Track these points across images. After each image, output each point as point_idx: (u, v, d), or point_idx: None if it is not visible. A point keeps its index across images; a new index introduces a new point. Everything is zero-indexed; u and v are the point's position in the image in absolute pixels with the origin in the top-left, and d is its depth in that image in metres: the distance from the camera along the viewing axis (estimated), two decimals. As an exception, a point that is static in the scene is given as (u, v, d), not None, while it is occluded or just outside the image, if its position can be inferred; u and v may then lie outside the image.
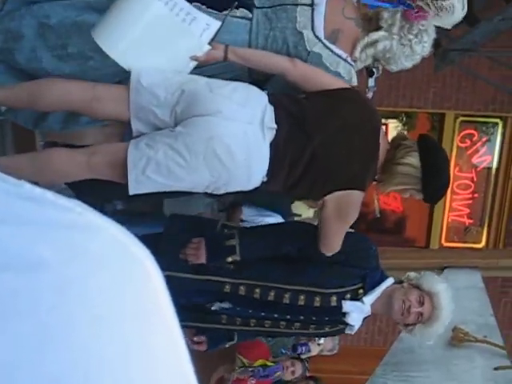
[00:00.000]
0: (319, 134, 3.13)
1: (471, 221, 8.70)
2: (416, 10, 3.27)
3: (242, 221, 5.23)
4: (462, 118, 8.29)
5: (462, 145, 8.38)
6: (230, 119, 3.03)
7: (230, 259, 3.41)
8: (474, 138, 8.38)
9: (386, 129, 8.25)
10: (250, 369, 5.18)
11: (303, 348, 5.67)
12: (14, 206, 0.73)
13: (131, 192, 3.06)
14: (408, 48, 3.33)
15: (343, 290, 3.50)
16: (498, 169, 8.46)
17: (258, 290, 3.48)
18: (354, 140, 3.17)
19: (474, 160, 8.46)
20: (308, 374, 6.42)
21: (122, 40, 3.11)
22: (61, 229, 0.73)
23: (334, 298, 3.49)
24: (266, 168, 3.09)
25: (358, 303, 3.52)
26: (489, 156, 8.46)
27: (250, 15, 3.35)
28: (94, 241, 0.74)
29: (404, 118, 8.36)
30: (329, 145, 3.13)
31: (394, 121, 8.34)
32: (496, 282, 7.10)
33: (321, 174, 3.15)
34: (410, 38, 3.31)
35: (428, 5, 3.27)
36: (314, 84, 3.21)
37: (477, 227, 8.69)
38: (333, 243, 3.30)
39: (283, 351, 5.73)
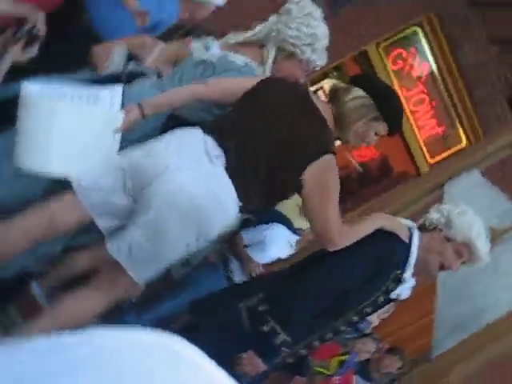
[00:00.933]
0: (262, 134, 3.14)
1: (443, 127, 8.75)
2: None
3: (246, 246, 5.25)
4: (383, 44, 8.34)
5: (396, 67, 8.43)
6: (179, 170, 3.03)
7: (284, 349, 3.38)
8: (404, 55, 8.43)
9: (323, 91, 8.30)
10: (330, 373, 5.19)
11: (363, 325, 5.67)
12: None
13: (141, 281, 3.10)
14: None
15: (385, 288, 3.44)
16: (439, 68, 8.51)
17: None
18: (293, 119, 3.18)
19: (415, 74, 8.52)
20: (387, 347, 6.46)
21: (45, 154, 3.12)
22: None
23: (381, 298, 3.46)
24: (235, 193, 3.09)
25: (402, 286, 3.46)
26: (425, 63, 8.52)
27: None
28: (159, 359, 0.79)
29: (334, 73, 8.42)
30: (274, 136, 3.14)
31: (327, 80, 8.40)
32: (495, 167, 7.10)
33: (282, 165, 3.14)
34: None
35: None
36: (232, 91, 3.26)
37: (451, 130, 8.75)
38: (328, 224, 3.18)
39: (347, 336, 5.74)
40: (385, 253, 3.38)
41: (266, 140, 3.13)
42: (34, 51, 3.97)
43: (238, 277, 4.81)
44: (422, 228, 3.53)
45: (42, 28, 4.03)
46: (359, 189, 8.97)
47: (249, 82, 3.27)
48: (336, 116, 3.26)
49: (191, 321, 3.74)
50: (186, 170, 3.04)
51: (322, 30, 3.53)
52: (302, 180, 3.14)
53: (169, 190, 3.00)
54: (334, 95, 3.32)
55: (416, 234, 3.46)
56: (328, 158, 3.14)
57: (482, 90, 8.39)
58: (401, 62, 8.43)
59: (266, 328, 3.38)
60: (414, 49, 8.45)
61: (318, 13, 3.52)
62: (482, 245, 3.44)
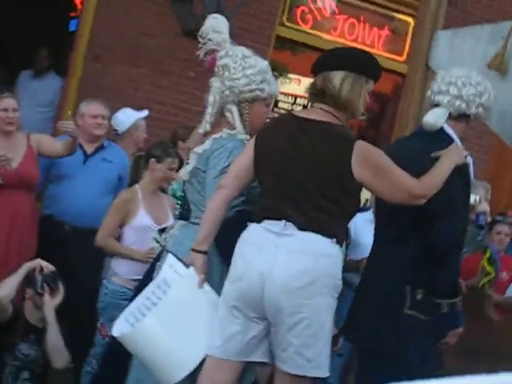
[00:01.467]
0: (297, 179, 3.14)
1: (385, 27, 8.78)
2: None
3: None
4: (284, 18, 8.33)
5: (310, 24, 8.46)
6: (271, 264, 3.06)
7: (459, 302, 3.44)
8: (306, 10, 8.45)
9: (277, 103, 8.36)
10: (492, 276, 5.12)
11: (482, 217, 5.54)
12: None
13: (328, 373, 3.16)
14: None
15: None
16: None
17: None
18: (304, 144, 3.17)
19: (327, 13, 8.53)
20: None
21: (174, 364, 3.21)
22: None
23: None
24: (324, 237, 3.10)
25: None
26: (330, 2, 8.54)
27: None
28: None
29: (275, 73, 8.44)
30: (306, 171, 3.14)
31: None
32: (449, 13, 7.02)
33: (333, 185, 3.14)
34: None
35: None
36: (246, 171, 3.27)
37: (392, 22, 8.82)
38: (405, 187, 3.18)
39: (479, 239, 5.67)
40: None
41: (303, 180, 3.14)
42: (60, 289, 4.11)
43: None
44: (462, 117, 3.54)
45: (46, 265, 4.15)
46: (378, 131, 8.95)
47: (249, 150, 3.29)
48: (342, 105, 3.21)
49: (361, 355, 3.71)
50: (276, 260, 3.06)
51: (262, 62, 3.58)
52: (357, 177, 3.13)
53: (282, 286, 3.05)
54: (321, 92, 3.27)
55: (447, 127, 3.49)
56: (358, 144, 3.14)
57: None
58: (309, 16, 8.44)
59: (444, 309, 3.36)
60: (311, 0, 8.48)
61: (247, 51, 3.58)
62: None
